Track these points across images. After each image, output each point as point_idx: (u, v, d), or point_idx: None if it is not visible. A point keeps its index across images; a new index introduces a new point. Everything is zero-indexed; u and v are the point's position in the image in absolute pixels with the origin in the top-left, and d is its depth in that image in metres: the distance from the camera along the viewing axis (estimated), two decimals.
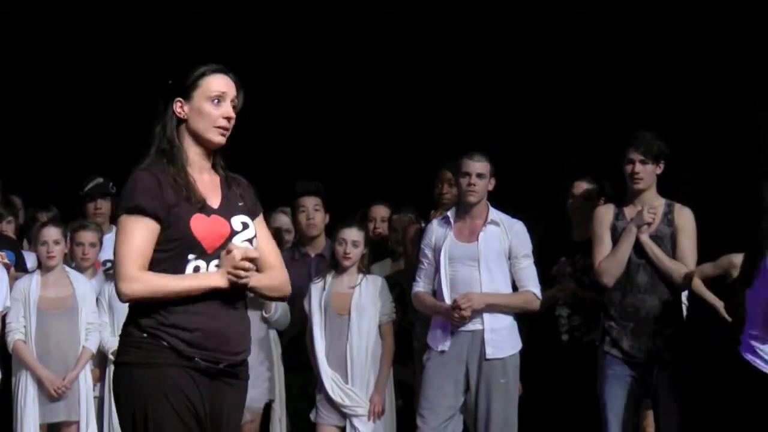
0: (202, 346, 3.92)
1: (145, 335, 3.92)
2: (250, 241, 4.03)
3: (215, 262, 3.95)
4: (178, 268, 3.93)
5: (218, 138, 4.02)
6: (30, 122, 8.92)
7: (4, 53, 8.82)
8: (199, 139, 4.02)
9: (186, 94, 4.00)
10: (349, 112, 8.87)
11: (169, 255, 3.93)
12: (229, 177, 4.10)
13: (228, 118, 4.02)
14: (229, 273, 3.92)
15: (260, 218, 4.16)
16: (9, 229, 7.25)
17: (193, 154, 4.03)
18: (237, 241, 4.00)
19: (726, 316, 7.04)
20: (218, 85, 4.01)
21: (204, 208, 3.98)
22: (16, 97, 8.90)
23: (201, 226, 3.94)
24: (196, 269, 3.94)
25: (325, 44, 8.89)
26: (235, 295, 4.00)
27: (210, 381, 3.95)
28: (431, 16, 8.78)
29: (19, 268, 6.99)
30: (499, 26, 8.70)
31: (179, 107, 4.00)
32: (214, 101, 4.00)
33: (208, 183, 4.04)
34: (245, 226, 4.04)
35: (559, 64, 8.60)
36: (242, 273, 3.92)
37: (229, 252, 3.93)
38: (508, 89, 8.67)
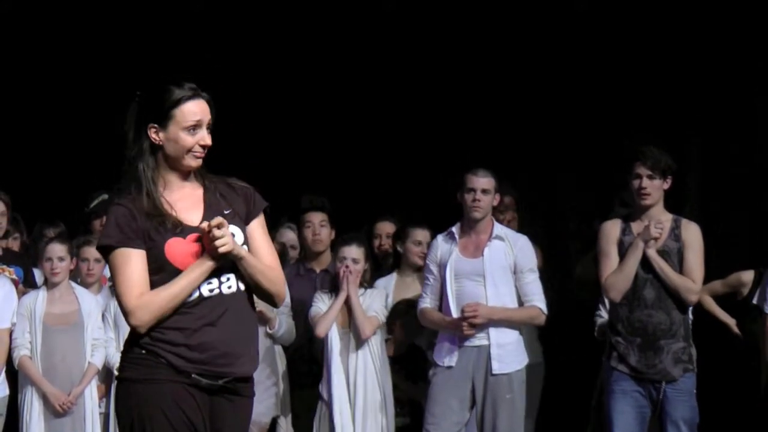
0: (200, 361, 3.92)
1: (144, 352, 3.93)
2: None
3: (206, 280, 3.94)
4: None
5: (195, 162, 4.01)
6: (35, 139, 8.92)
7: (11, 70, 8.82)
8: (176, 164, 4.01)
9: (160, 121, 3.96)
10: (355, 128, 8.86)
11: (159, 279, 3.93)
12: (213, 184, 4.06)
13: (204, 146, 4.00)
14: (208, 251, 3.90)
15: (260, 218, 4.11)
16: (14, 245, 7.26)
17: (171, 176, 4.02)
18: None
19: (738, 332, 7.05)
20: (193, 114, 3.97)
21: (182, 231, 3.96)
22: (22, 114, 8.90)
23: (175, 249, 3.93)
24: None
25: (332, 60, 8.88)
26: (239, 310, 3.99)
27: (210, 397, 3.95)
28: (439, 33, 8.78)
29: (28, 284, 7.01)
30: (505, 42, 8.69)
31: (154, 133, 3.97)
32: (189, 130, 3.97)
33: (188, 198, 4.03)
34: (232, 237, 3.98)
35: (565, 78, 8.60)
36: (217, 241, 3.86)
37: (203, 230, 3.92)
38: (514, 104, 8.68)
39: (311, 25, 8.87)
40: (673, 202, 6.47)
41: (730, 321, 7.06)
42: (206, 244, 3.91)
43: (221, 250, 3.89)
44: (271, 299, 4.10)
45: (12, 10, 8.68)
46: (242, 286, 4.02)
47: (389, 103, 8.80)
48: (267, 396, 6.69)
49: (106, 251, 3.96)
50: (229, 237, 3.90)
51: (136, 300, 3.87)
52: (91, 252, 6.89)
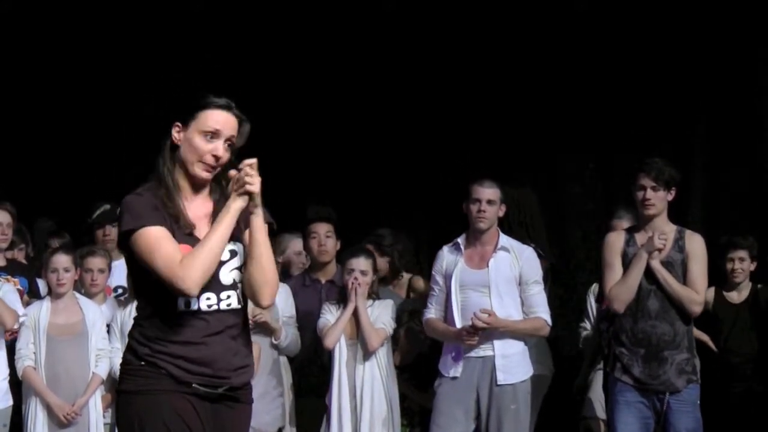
0: (199, 372, 3.94)
1: (143, 363, 3.95)
2: (238, 269, 4.02)
3: (205, 294, 3.95)
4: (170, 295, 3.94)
5: (202, 173, 4.00)
6: (39, 149, 8.89)
7: (17, 83, 8.78)
8: (186, 170, 4.02)
9: (185, 121, 3.99)
10: (357, 132, 8.84)
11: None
12: (225, 198, 4.04)
13: (216, 157, 3.98)
14: (236, 190, 3.91)
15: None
16: (20, 255, 7.24)
17: (183, 184, 4.03)
18: (223, 271, 3.99)
19: (713, 347, 7.13)
20: (214, 121, 3.98)
21: (191, 236, 3.97)
22: (25, 124, 8.86)
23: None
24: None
25: (333, 61, 8.85)
26: (237, 326, 4.02)
27: (210, 405, 3.98)
28: (439, 33, 8.75)
29: (32, 294, 6.98)
30: (506, 42, 8.68)
31: (176, 132, 4.00)
32: (206, 136, 3.97)
33: (198, 209, 4.04)
34: (233, 254, 4.01)
35: (566, 78, 8.59)
36: (247, 178, 3.88)
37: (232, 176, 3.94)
38: (515, 104, 8.67)
39: (312, 25, 8.85)
40: (677, 211, 6.48)
41: (705, 338, 7.14)
42: (233, 183, 3.90)
43: (250, 188, 3.89)
44: (262, 289, 4.01)
45: (12, 10, 8.63)
46: (240, 304, 4.04)
47: (390, 105, 8.79)
48: (273, 407, 6.70)
49: (131, 235, 3.92)
50: (258, 179, 3.90)
51: (181, 267, 3.85)
52: (95, 262, 6.88)
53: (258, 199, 3.93)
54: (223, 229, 3.90)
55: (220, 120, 3.98)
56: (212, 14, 8.89)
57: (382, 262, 7.28)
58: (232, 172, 3.92)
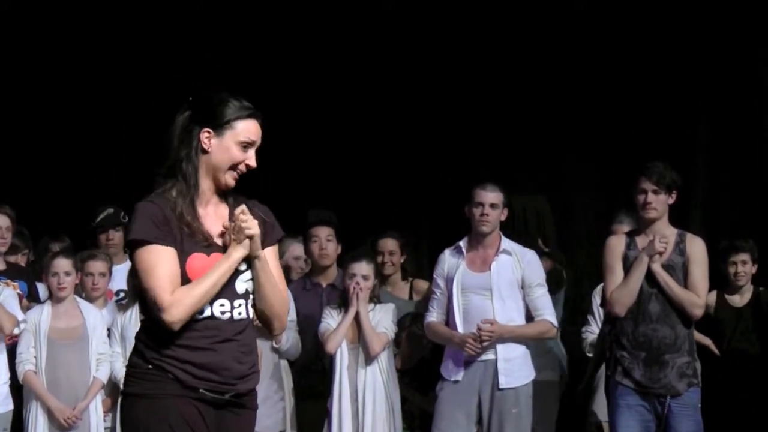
0: (206, 377, 3.93)
1: (150, 366, 3.93)
2: (252, 280, 4.03)
3: (219, 301, 3.95)
4: None
5: (230, 181, 4.01)
6: (39, 151, 8.87)
7: (17, 84, 8.76)
8: (215, 175, 4.01)
9: (217, 128, 3.97)
10: (361, 141, 8.84)
11: None
12: (238, 205, 4.04)
13: (249, 166, 4.01)
14: (235, 239, 3.93)
15: (274, 247, 4.12)
16: (22, 260, 7.22)
17: (206, 187, 4.02)
18: (239, 281, 4.00)
19: (715, 351, 7.13)
20: (251, 132, 3.99)
21: (209, 246, 3.97)
22: (26, 127, 8.85)
23: (196, 265, 3.94)
24: None
25: (339, 71, 8.84)
26: (245, 335, 4.01)
27: (216, 411, 3.97)
28: (439, 33, 8.74)
29: (31, 298, 6.96)
30: (506, 43, 8.67)
31: (206, 138, 3.97)
32: (242, 146, 3.98)
33: (213, 216, 4.03)
34: (249, 264, 4.01)
35: (566, 79, 8.58)
36: (244, 224, 3.91)
37: (226, 228, 3.96)
38: (515, 105, 8.66)
39: (312, 26, 8.84)
40: (677, 213, 6.48)
41: (707, 341, 7.15)
42: (230, 237, 3.94)
43: (249, 233, 3.91)
44: (271, 323, 4.10)
45: (12, 10, 8.61)
46: (250, 314, 4.04)
47: (391, 106, 8.78)
48: (275, 410, 6.71)
49: (137, 245, 3.92)
50: (254, 222, 3.93)
51: (171, 296, 3.86)
52: (96, 266, 6.88)
53: (258, 241, 3.96)
54: (220, 275, 3.92)
55: (254, 130, 4.00)
56: (212, 14, 8.88)
57: (398, 260, 7.28)
58: (226, 224, 3.96)
